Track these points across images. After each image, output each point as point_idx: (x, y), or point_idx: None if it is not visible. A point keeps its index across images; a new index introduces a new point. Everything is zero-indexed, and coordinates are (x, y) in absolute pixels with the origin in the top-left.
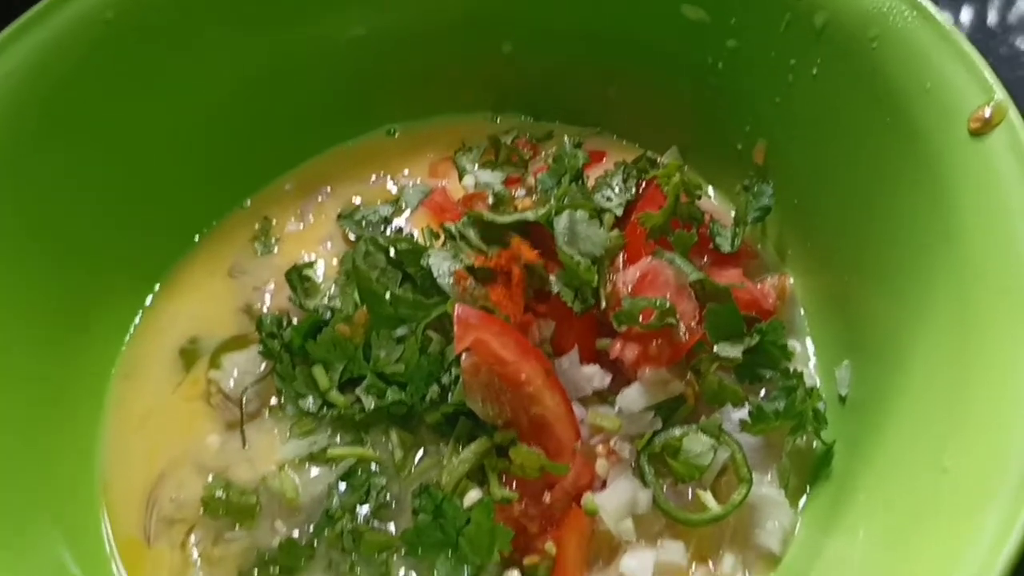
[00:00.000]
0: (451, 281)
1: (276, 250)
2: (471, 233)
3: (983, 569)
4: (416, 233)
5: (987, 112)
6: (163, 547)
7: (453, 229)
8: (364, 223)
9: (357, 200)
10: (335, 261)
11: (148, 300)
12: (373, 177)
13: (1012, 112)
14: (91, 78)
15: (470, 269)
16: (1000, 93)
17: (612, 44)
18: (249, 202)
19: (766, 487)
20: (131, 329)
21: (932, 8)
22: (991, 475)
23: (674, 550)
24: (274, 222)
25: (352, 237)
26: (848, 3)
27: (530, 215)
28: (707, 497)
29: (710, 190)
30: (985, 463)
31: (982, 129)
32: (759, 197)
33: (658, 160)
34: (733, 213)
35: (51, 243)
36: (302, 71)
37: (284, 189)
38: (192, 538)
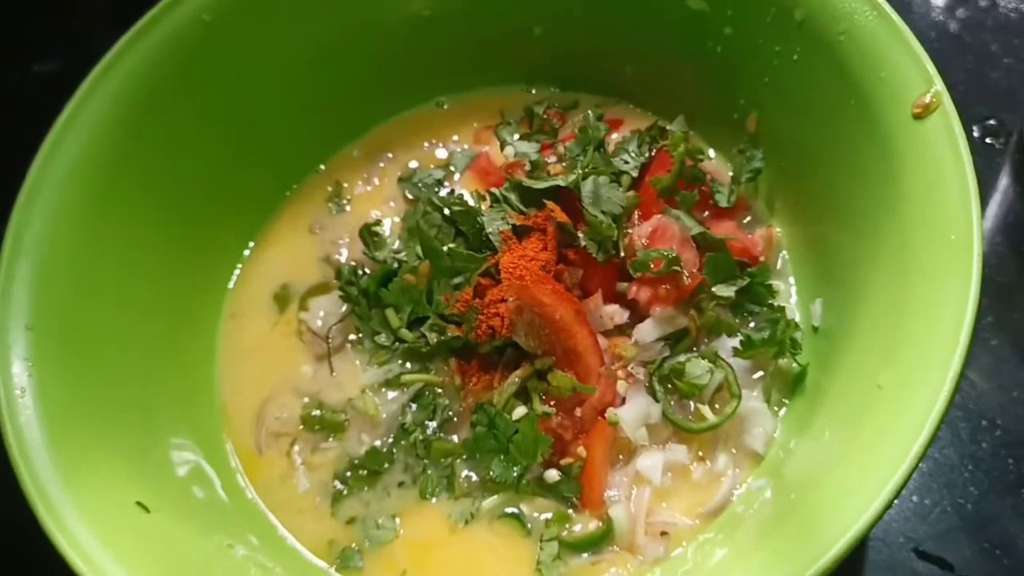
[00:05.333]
0: (500, 238)
1: (348, 209)
2: (513, 197)
3: (896, 462)
4: (466, 194)
5: (927, 99)
6: (273, 455)
7: (498, 193)
8: (421, 185)
9: (414, 164)
10: (398, 218)
11: (246, 253)
12: (426, 144)
13: (946, 100)
14: (192, 71)
15: (514, 228)
16: (939, 84)
17: (628, 29)
18: (323, 167)
19: (753, 401)
20: (233, 278)
21: (888, 8)
22: (911, 393)
23: (679, 452)
24: (345, 185)
25: (411, 197)
26: (822, 1)
27: (561, 181)
28: (705, 410)
29: (711, 152)
30: (907, 384)
31: (922, 113)
32: (751, 160)
33: (667, 128)
34: (730, 173)
35: (167, 210)
36: (366, 50)
37: (352, 155)
38: (295, 448)
